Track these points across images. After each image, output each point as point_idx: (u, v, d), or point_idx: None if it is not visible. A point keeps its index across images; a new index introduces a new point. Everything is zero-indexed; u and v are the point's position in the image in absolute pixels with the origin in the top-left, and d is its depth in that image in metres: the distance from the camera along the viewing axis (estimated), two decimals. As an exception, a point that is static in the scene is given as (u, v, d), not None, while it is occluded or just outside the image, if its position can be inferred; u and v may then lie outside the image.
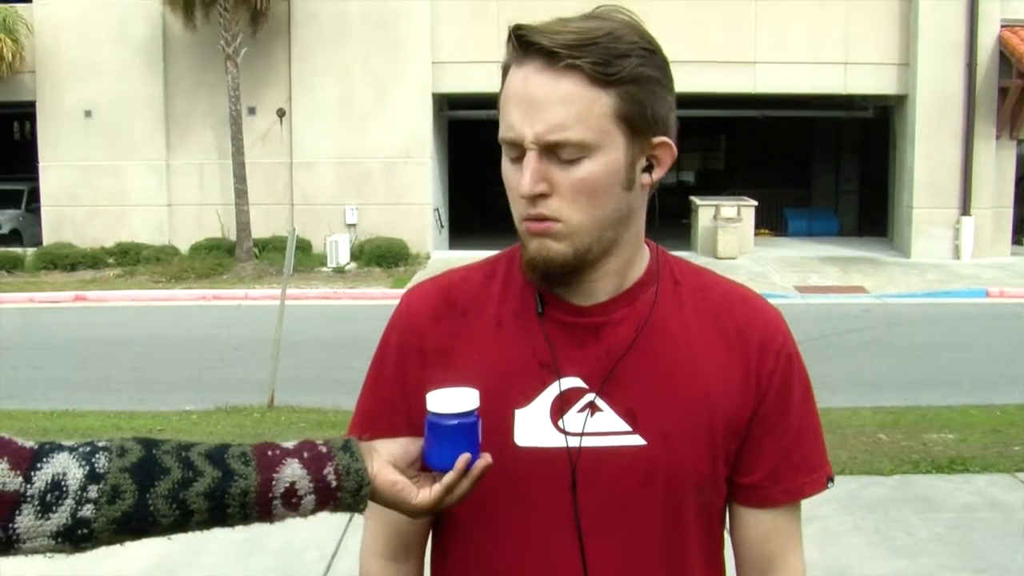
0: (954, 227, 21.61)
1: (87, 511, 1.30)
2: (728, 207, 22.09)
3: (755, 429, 1.61)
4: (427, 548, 1.76)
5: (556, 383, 1.56)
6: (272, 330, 10.21)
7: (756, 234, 23.03)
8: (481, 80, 20.50)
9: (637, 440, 1.55)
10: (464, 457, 1.42)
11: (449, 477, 1.43)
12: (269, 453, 1.41)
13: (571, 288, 1.57)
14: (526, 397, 1.57)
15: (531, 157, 1.46)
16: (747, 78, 21.94)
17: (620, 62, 1.43)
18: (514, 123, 1.46)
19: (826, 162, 29.27)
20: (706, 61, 20.65)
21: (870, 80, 22.22)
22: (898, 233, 23.03)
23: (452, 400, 1.43)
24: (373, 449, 1.46)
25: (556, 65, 1.42)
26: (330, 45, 21.61)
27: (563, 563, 1.57)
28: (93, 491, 1.30)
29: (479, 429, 1.45)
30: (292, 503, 1.40)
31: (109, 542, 1.33)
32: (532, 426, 1.56)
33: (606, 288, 1.58)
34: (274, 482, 1.38)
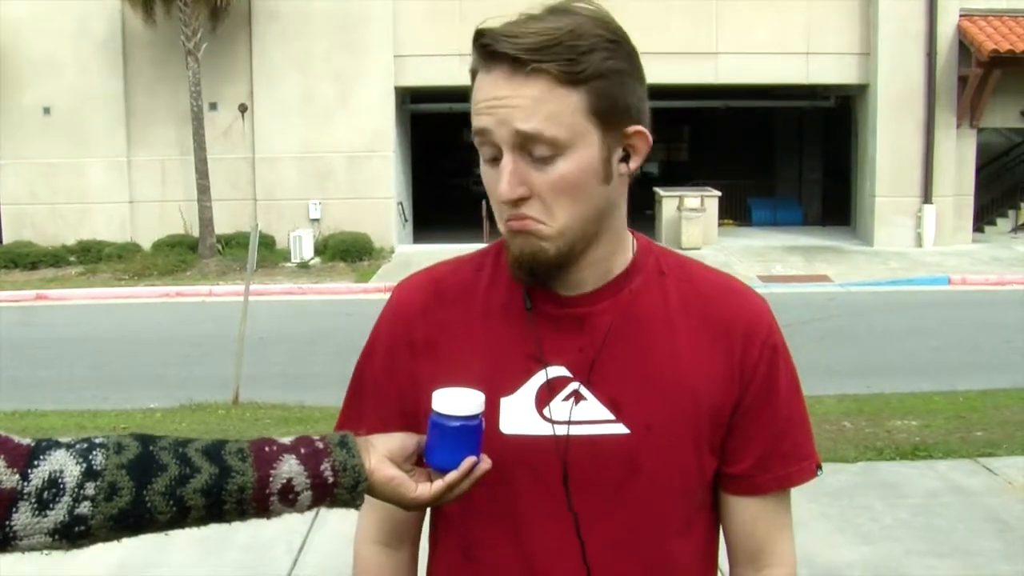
0: (916, 215, 21.76)
1: (84, 508, 1.30)
2: (692, 198, 22.16)
3: (740, 419, 1.62)
4: (422, 537, 1.78)
5: (543, 372, 1.58)
6: (236, 326, 10.16)
7: (720, 224, 23.11)
8: (443, 73, 20.47)
9: (621, 429, 1.57)
10: (470, 460, 1.44)
11: (452, 476, 1.44)
12: (266, 449, 1.40)
13: (556, 280, 1.58)
14: (512, 386, 1.59)
15: (507, 161, 1.46)
16: (709, 69, 22.00)
17: (585, 59, 1.43)
18: (486, 123, 1.47)
19: (789, 152, 29.40)
20: (668, 52, 20.67)
21: (832, 70, 22.33)
22: (861, 222, 23.17)
23: (458, 402, 1.44)
24: (370, 444, 1.46)
25: (523, 70, 1.43)
26: (291, 39, 21.51)
27: (559, 549, 1.58)
28: (90, 488, 1.30)
29: (482, 432, 1.46)
30: (289, 499, 1.40)
31: (106, 539, 1.33)
32: (517, 414, 1.58)
33: (590, 279, 1.59)
34: (271, 478, 1.38)
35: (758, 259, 20.54)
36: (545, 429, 1.57)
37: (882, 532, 6.03)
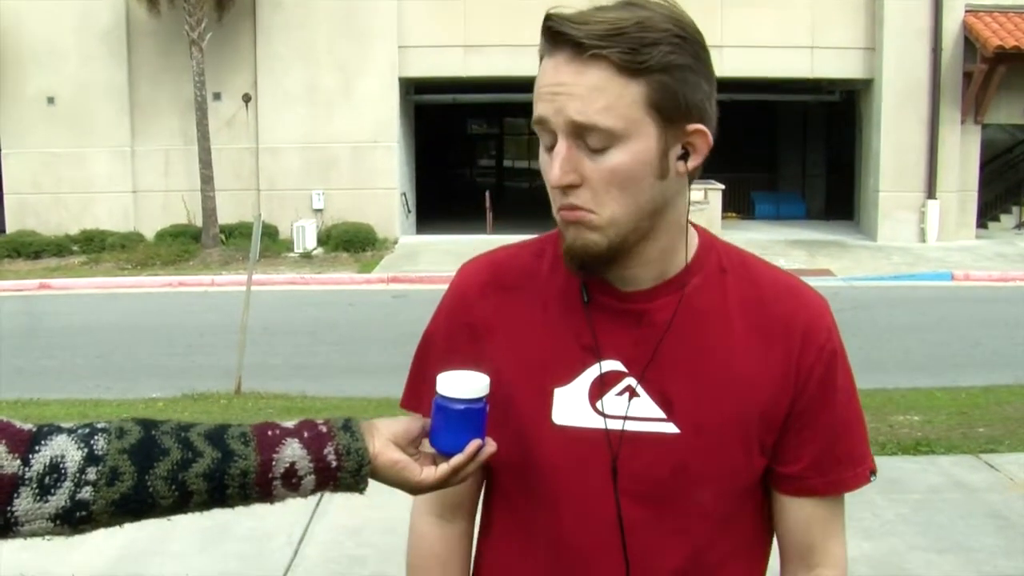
0: (920, 211, 21.74)
1: (86, 493, 1.29)
2: (695, 191, 21.72)
3: (796, 421, 1.60)
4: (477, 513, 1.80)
5: (597, 365, 1.58)
6: (239, 316, 10.16)
7: (723, 218, 23.08)
8: (447, 64, 20.47)
9: (671, 428, 1.56)
10: (475, 443, 1.43)
11: (457, 460, 1.44)
12: (269, 433, 1.40)
13: (613, 275, 1.58)
14: (566, 377, 1.59)
15: (561, 146, 1.46)
16: (714, 62, 21.90)
17: (648, 51, 1.42)
18: (544, 111, 1.46)
19: (793, 146, 29.36)
20: (673, 45, 20.60)
21: (836, 64, 22.30)
22: (864, 217, 23.14)
23: (463, 385, 1.44)
24: (374, 428, 1.46)
25: (583, 55, 1.42)
26: (296, 30, 21.50)
27: (601, 544, 1.58)
28: (92, 473, 1.30)
29: (486, 416, 1.45)
30: (292, 483, 1.39)
31: (108, 524, 1.32)
32: (570, 406, 1.58)
33: (649, 275, 1.58)
34: (274, 462, 1.38)
35: (761, 253, 19.84)
36: (596, 422, 1.57)
37: (883, 527, 6.02)
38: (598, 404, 1.57)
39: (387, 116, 21.95)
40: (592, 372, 1.58)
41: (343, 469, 1.41)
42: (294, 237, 20.85)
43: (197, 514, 1.40)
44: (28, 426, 1.33)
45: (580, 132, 1.44)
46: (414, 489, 1.46)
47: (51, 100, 21.70)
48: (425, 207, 24.96)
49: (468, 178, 37.24)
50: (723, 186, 22.86)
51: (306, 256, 20.52)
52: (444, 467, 1.44)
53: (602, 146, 1.44)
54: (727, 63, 21.90)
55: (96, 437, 1.33)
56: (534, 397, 1.58)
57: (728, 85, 23.28)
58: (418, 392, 1.72)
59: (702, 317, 1.59)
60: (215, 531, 5.76)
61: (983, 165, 22.69)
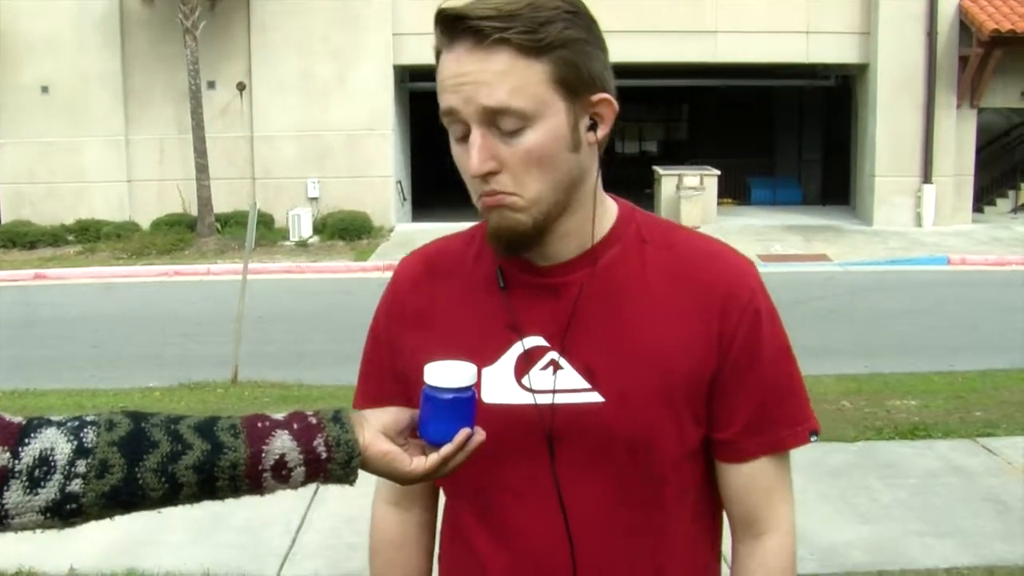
0: (916, 195, 21.73)
1: (76, 486, 1.29)
2: (691, 176, 22.11)
3: (723, 386, 1.61)
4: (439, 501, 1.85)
5: (520, 342, 1.60)
6: (235, 305, 10.15)
7: (719, 203, 23.07)
8: (442, 52, 20.37)
9: (596, 397, 1.58)
10: (464, 432, 1.44)
11: (447, 449, 1.44)
12: (259, 425, 1.39)
13: (535, 251, 1.60)
14: (493, 356, 1.62)
15: (476, 135, 1.48)
16: (709, 47, 21.92)
17: (546, 29, 1.45)
18: (452, 102, 1.49)
19: (788, 131, 29.33)
20: (668, 31, 20.64)
21: (832, 49, 22.25)
22: (860, 201, 23.13)
23: (450, 374, 1.44)
24: (364, 419, 1.46)
25: (485, 42, 1.45)
26: (290, 17, 21.44)
27: (541, 518, 1.61)
28: (81, 466, 1.29)
29: (475, 404, 1.46)
30: (282, 475, 1.39)
31: (99, 517, 1.32)
32: (497, 384, 1.61)
33: (568, 248, 1.61)
34: (264, 454, 1.37)
35: (757, 238, 20.52)
36: (525, 398, 1.60)
37: (881, 512, 6.03)
38: (524, 380, 1.60)
39: (382, 104, 21.92)
40: (516, 350, 1.61)
41: (333, 461, 1.40)
42: (290, 225, 20.83)
43: (192, 505, 1.39)
44: (17, 419, 1.32)
45: (492, 118, 1.47)
46: (405, 479, 1.46)
47: (45, 89, 21.65)
48: (420, 194, 24.93)
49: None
50: (719, 172, 22.85)
51: (302, 244, 20.50)
52: (434, 457, 1.44)
53: (516, 128, 1.47)
54: (722, 49, 21.93)
55: (86, 430, 1.32)
56: None
57: (723, 71, 23.44)
58: (366, 385, 1.79)
59: (620, 287, 1.61)
60: (212, 521, 5.76)
61: (979, 149, 22.68)
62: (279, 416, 1.42)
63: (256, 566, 5.46)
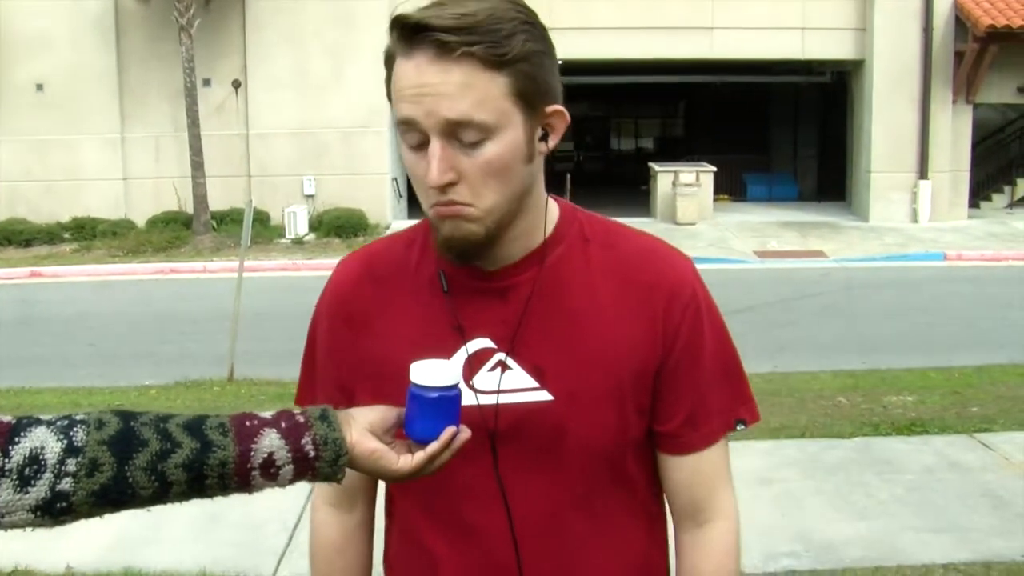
0: (912, 191, 21.74)
1: (66, 484, 1.29)
2: (687, 173, 22.12)
3: (666, 381, 1.65)
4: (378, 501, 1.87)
5: (466, 345, 1.62)
6: (231, 303, 10.14)
7: (715, 200, 23.07)
8: (438, 49, 20.35)
9: (545, 396, 1.60)
10: (450, 430, 1.44)
11: (433, 447, 1.44)
12: (247, 423, 1.40)
13: (483, 258, 1.61)
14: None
15: (435, 146, 1.48)
16: (704, 44, 21.92)
17: (509, 42, 1.46)
18: (412, 113, 1.47)
19: (785, 127, 29.33)
20: (664, 27, 20.63)
21: (827, 45, 22.25)
22: (856, 197, 23.14)
23: (436, 373, 1.45)
24: (351, 417, 1.46)
25: (449, 55, 1.44)
26: (285, 14, 21.42)
27: (487, 520, 1.63)
28: (71, 464, 1.29)
29: (460, 402, 1.47)
30: (270, 473, 1.39)
31: (89, 515, 1.32)
32: None
33: (513, 251, 1.63)
34: (252, 453, 1.38)
35: (753, 235, 20.53)
36: (471, 400, 1.61)
37: (878, 508, 6.03)
38: (472, 382, 1.61)
39: (378, 101, 21.81)
40: (463, 353, 1.62)
41: (321, 459, 1.41)
42: (285, 223, 20.81)
43: (182, 503, 1.40)
44: (7, 418, 1.32)
45: (453, 130, 1.47)
46: (392, 477, 1.47)
47: (40, 87, 21.61)
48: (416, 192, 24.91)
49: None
50: (715, 168, 22.87)
51: (298, 242, 20.49)
52: (420, 455, 1.45)
53: (476, 140, 1.48)
54: (718, 45, 21.92)
55: (75, 428, 1.32)
56: None
57: (719, 67, 23.42)
58: (310, 387, 1.79)
59: (565, 286, 1.64)
60: (209, 519, 5.75)
61: (975, 145, 22.68)
62: (267, 415, 1.43)
63: (253, 564, 5.45)
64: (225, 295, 11.63)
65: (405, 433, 1.47)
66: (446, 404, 1.45)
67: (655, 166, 22.82)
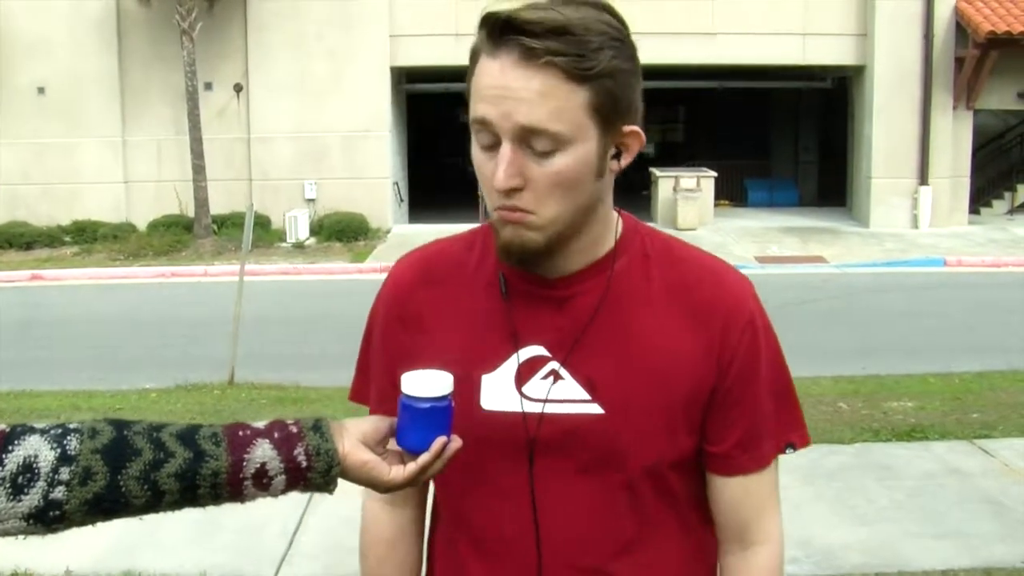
0: (912, 197, 21.73)
1: (59, 493, 1.30)
2: (688, 178, 22.12)
3: (720, 403, 1.63)
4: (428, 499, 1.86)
5: (520, 351, 1.61)
6: (232, 307, 10.14)
7: (716, 205, 23.07)
8: (439, 53, 20.40)
9: (595, 409, 1.59)
10: (440, 440, 1.45)
11: (424, 458, 1.45)
12: (240, 434, 1.41)
13: (541, 265, 1.60)
14: (493, 363, 1.63)
15: (506, 149, 1.47)
16: (706, 49, 21.91)
17: (595, 56, 1.44)
18: (488, 114, 1.47)
19: (785, 133, 29.33)
20: (665, 32, 20.61)
21: (828, 51, 22.25)
22: (857, 203, 23.13)
23: (427, 384, 1.45)
24: (343, 428, 1.46)
25: (534, 60, 1.43)
26: (287, 19, 21.42)
27: (519, 525, 1.62)
28: (65, 473, 1.30)
29: (451, 413, 1.47)
30: (263, 484, 1.40)
31: (81, 523, 1.33)
32: (497, 391, 1.62)
33: (574, 263, 1.62)
34: (245, 463, 1.39)
35: (754, 240, 20.52)
36: (518, 406, 1.61)
37: (878, 514, 6.03)
38: (524, 389, 1.60)
39: (379, 105, 21.90)
40: (517, 358, 1.62)
41: (313, 470, 1.42)
42: (286, 227, 20.80)
43: (175, 511, 1.41)
44: (1, 426, 1.33)
45: (526, 136, 1.46)
46: (384, 488, 1.48)
47: (41, 90, 21.60)
48: (417, 196, 24.92)
49: (460, 167, 37.15)
50: (715, 173, 22.87)
51: (299, 246, 20.48)
52: (412, 466, 1.45)
53: (548, 149, 1.47)
54: (719, 50, 21.91)
55: (69, 437, 1.33)
56: (463, 385, 1.59)
57: (720, 72, 23.41)
58: (364, 383, 1.80)
59: (625, 300, 1.62)
60: (209, 523, 5.74)
61: (975, 151, 22.68)
62: (260, 425, 1.43)
63: (253, 568, 5.45)
64: (226, 299, 11.63)
65: (397, 443, 1.47)
66: (437, 415, 1.45)
67: (656, 171, 22.81)
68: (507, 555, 1.64)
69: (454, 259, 1.73)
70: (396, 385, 1.65)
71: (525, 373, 1.61)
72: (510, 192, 1.49)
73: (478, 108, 1.49)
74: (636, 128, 1.55)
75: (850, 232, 21.49)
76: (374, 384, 1.76)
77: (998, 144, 25.13)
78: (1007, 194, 24.38)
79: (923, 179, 21.64)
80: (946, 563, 5.32)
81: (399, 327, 1.72)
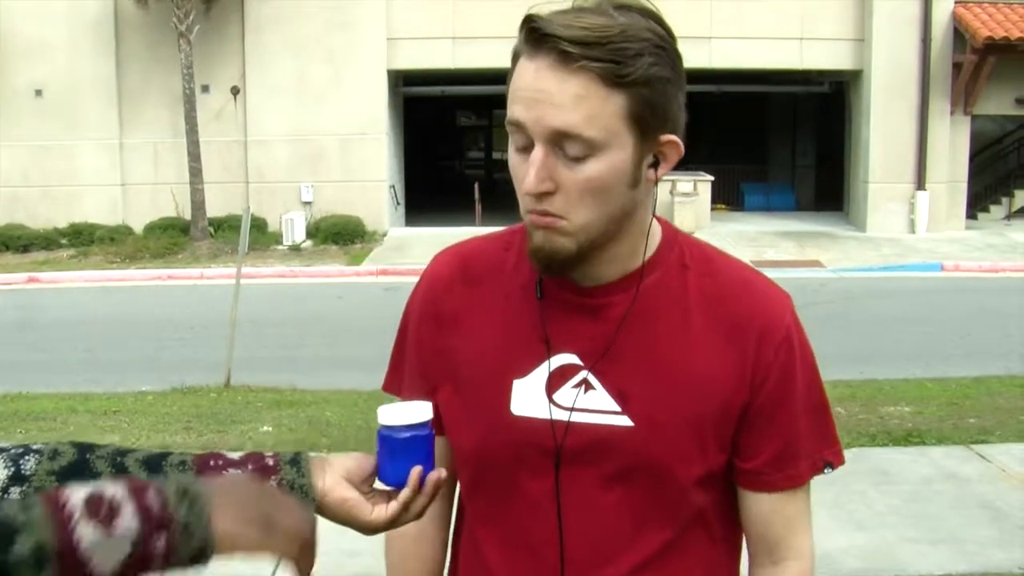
0: (909, 201, 21.75)
1: None
2: (684, 182, 22.13)
3: (754, 419, 1.60)
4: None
5: (552, 358, 1.59)
6: (228, 309, 10.13)
7: (713, 209, 23.10)
8: (436, 56, 20.43)
9: (625, 421, 1.57)
10: (416, 470, 1.40)
11: (405, 494, 1.40)
12: (211, 463, 1.34)
13: (575, 272, 1.58)
14: (525, 369, 1.61)
15: (538, 153, 1.45)
16: (703, 53, 21.90)
17: (633, 62, 1.42)
18: (522, 116, 1.45)
19: (782, 137, 29.36)
20: (662, 37, 20.58)
21: (826, 55, 22.28)
22: (854, 208, 23.15)
23: (404, 413, 1.41)
24: (327, 463, 1.41)
25: (569, 65, 1.41)
26: (284, 22, 21.42)
27: (543, 534, 1.60)
28: (15, 493, 1.25)
29: (433, 442, 1.43)
30: None
31: None
32: (528, 397, 1.60)
33: (610, 272, 1.59)
34: None
35: (751, 244, 20.53)
36: (547, 413, 1.59)
37: (875, 518, 6.03)
38: (555, 396, 1.59)
39: (376, 108, 21.90)
40: (548, 365, 1.60)
41: None
42: (283, 230, 20.81)
43: None
44: None
45: (559, 140, 1.44)
46: (364, 529, 1.41)
47: (39, 93, 21.60)
48: (414, 199, 24.92)
49: (457, 170, 37.18)
50: (712, 177, 22.89)
51: (295, 249, 20.48)
52: (394, 504, 1.41)
53: (581, 155, 1.45)
54: (716, 55, 21.92)
55: (27, 457, 1.28)
56: (495, 388, 1.60)
57: (717, 76, 23.41)
58: (398, 375, 1.78)
59: (660, 312, 1.60)
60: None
61: (972, 156, 22.71)
62: (235, 456, 1.37)
63: (251, 569, 5.43)
64: (222, 301, 11.62)
65: (379, 480, 1.42)
66: (417, 444, 1.40)
67: (653, 175, 22.78)
68: (531, 559, 1.62)
69: (492, 259, 1.71)
70: (427, 380, 1.67)
71: (556, 380, 1.59)
72: (541, 196, 1.47)
73: (513, 110, 1.47)
74: (674, 138, 1.52)
75: (847, 237, 21.51)
76: (406, 380, 1.74)
77: (995, 149, 25.17)
78: (1004, 199, 24.40)
79: (920, 184, 21.66)
80: (943, 568, 5.31)
81: (434, 326, 1.70)
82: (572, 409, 1.58)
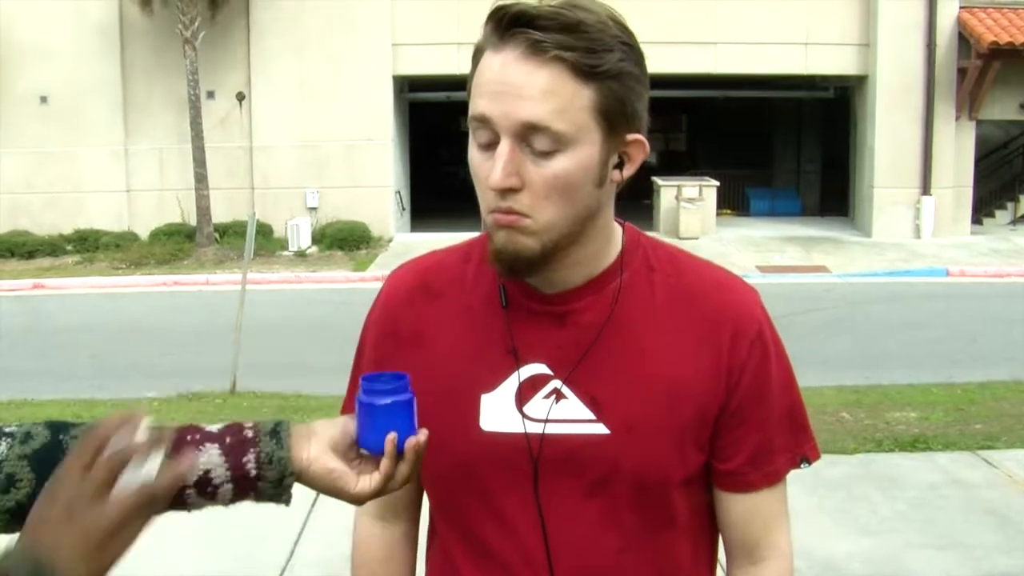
0: (915, 207, 21.73)
1: None
2: (690, 187, 22.12)
3: (730, 419, 1.59)
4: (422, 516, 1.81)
5: (520, 370, 1.56)
6: (233, 315, 10.14)
7: (718, 214, 23.07)
8: (440, 62, 20.42)
9: (601, 429, 1.54)
10: (391, 437, 1.35)
11: (384, 465, 1.37)
12: (188, 438, 1.31)
13: (538, 277, 1.55)
14: (492, 383, 1.57)
15: (504, 147, 1.42)
16: (708, 58, 21.93)
17: (604, 56, 1.40)
18: (488, 110, 1.42)
19: (787, 142, 29.35)
20: (667, 42, 20.62)
21: (831, 60, 22.27)
22: (859, 213, 23.13)
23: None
24: (313, 433, 1.37)
25: (540, 55, 1.39)
26: (289, 28, 21.44)
27: (524, 550, 1.57)
28: None
29: (414, 409, 1.39)
30: (208, 492, 1.30)
31: (4, 531, 1.25)
32: (497, 411, 1.56)
33: (574, 277, 1.56)
34: None
35: (756, 249, 20.52)
36: (520, 427, 1.55)
37: (881, 524, 6.01)
38: (525, 408, 1.55)
39: (381, 114, 21.92)
40: (517, 377, 1.56)
41: (264, 479, 1.32)
42: (288, 236, 20.83)
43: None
44: None
45: (527, 134, 1.41)
46: (351, 499, 1.38)
47: (44, 99, 21.62)
48: (419, 205, 24.93)
49: (462, 175, 37.14)
50: (717, 182, 22.89)
51: (300, 255, 20.49)
52: (377, 475, 1.37)
53: (548, 150, 1.42)
54: (721, 60, 21.94)
55: None
56: (462, 404, 1.57)
57: (722, 81, 23.44)
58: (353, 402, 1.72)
59: (629, 317, 1.57)
60: (210, 530, 5.73)
61: (978, 161, 22.69)
62: (213, 428, 1.34)
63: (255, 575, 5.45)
64: (228, 308, 11.63)
65: (359, 446, 1.39)
66: (396, 410, 1.37)
67: (658, 180, 22.81)
68: (517, 574, 1.59)
69: (451, 271, 1.67)
70: None
71: (527, 392, 1.56)
72: (506, 193, 1.43)
73: (478, 104, 1.44)
74: (640, 137, 1.49)
75: (852, 242, 21.49)
76: None
77: (1001, 154, 25.14)
78: (1010, 204, 24.38)
79: (926, 189, 21.65)
80: (949, 574, 5.31)
81: (392, 344, 1.66)
82: (546, 421, 1.54)
